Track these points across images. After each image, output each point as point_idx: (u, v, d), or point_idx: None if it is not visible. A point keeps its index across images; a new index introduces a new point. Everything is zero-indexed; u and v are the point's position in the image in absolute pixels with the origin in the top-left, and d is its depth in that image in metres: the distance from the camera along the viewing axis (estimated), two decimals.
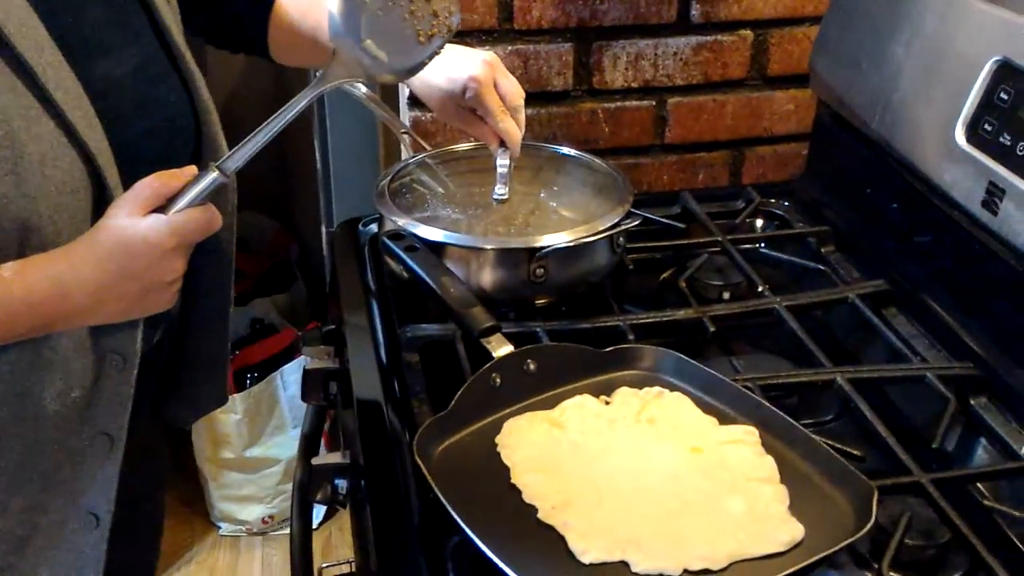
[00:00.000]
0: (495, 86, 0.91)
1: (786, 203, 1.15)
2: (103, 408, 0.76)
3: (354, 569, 0.85)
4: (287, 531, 2.01)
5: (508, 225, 0.94)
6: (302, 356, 1.95)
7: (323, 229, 1.71)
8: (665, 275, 1.04)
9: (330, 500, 0.87)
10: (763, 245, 1.07)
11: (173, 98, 0.80)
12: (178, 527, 2.04)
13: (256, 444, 1.94)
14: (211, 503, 2.02)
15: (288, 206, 2.42)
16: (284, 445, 1.96)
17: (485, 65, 0.90)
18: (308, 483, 0.88)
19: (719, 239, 1.04)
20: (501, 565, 0.61)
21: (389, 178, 0.99)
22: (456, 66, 0.90)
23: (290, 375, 1.93)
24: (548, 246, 0.88)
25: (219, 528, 2.03)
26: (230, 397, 1.89)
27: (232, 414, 1.90)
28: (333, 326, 1.03)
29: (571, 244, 0.88)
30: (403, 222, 0.91)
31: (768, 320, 0.94)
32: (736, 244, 1.04)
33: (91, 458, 0.77)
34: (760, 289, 0.96)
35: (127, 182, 0.71)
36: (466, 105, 0.92)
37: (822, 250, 1.05)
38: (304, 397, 0.99)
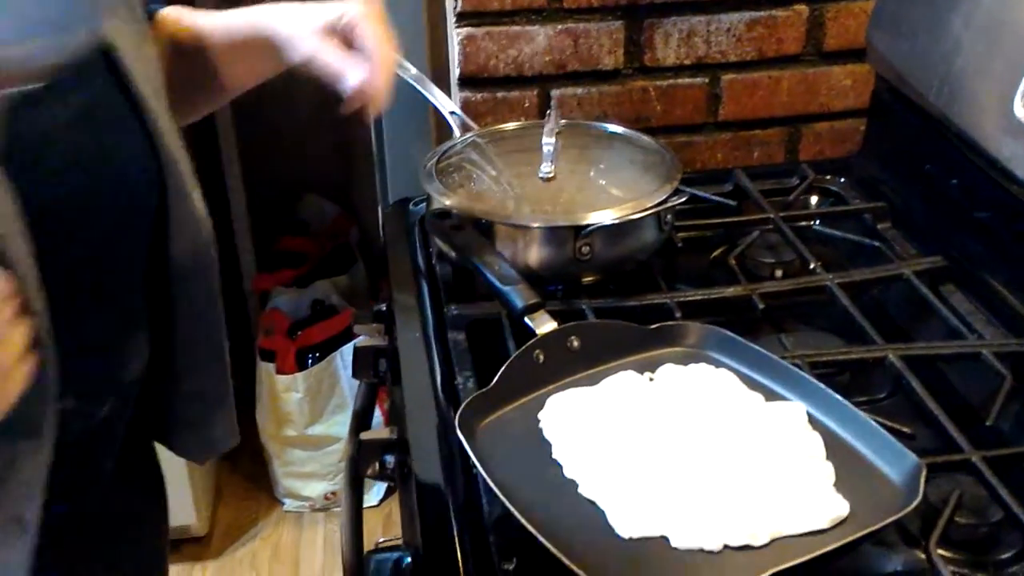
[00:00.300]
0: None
1: (842, 180, 1.12)
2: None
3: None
4: None
5: (555, 203, 0.94)
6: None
7: (379, 210, 1.73)
8: (715, 254, 1.02)
9: (379, 475, 0.88)
10: (817, 222, 1.05)
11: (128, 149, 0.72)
12: (243, 503, 2.09)
13: (318, 422, 1.98)
14: (275, 480, 2.06)
15: (348, 190, 2.45)
16: (345, 423, 1.98)
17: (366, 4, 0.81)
18: (358, 458, 0.89)
19: (771, 216, 1.02)
20: (542, 539, 0.62)
21: (436, 158, 0.99)
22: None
23: (350, 355, 1.95)
24: (594, 224, 0.87)
25: (283, 504, 2.08)
26: (292, 376, 1.93)
27: (294, 392, 1.93)
28: (384, 305, 1.05)
29: (617, 222, 0.88)
30: (449, 202, 0.92)
31: (820, 298, 0.93)
32: (789, 221, 1.02)
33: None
34: (812, 266, 0.95)
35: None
36: (338, 34, 0.81)
37: (878, 227, 1.02)
38: (355, 374, 1.01)
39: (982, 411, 0.78)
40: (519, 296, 0.81)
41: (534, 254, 0.90)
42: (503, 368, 0.77)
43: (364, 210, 2.42)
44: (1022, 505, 0.68)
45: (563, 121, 1.02)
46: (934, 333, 0.89)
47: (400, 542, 0.90)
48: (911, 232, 1.01)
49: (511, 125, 1.06)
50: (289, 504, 2.07)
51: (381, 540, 1.07)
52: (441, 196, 0.93)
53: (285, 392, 1.94)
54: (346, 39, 0.81)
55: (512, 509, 0.64)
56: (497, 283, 0.82)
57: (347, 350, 1.96)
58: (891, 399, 0.84)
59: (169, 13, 0.86)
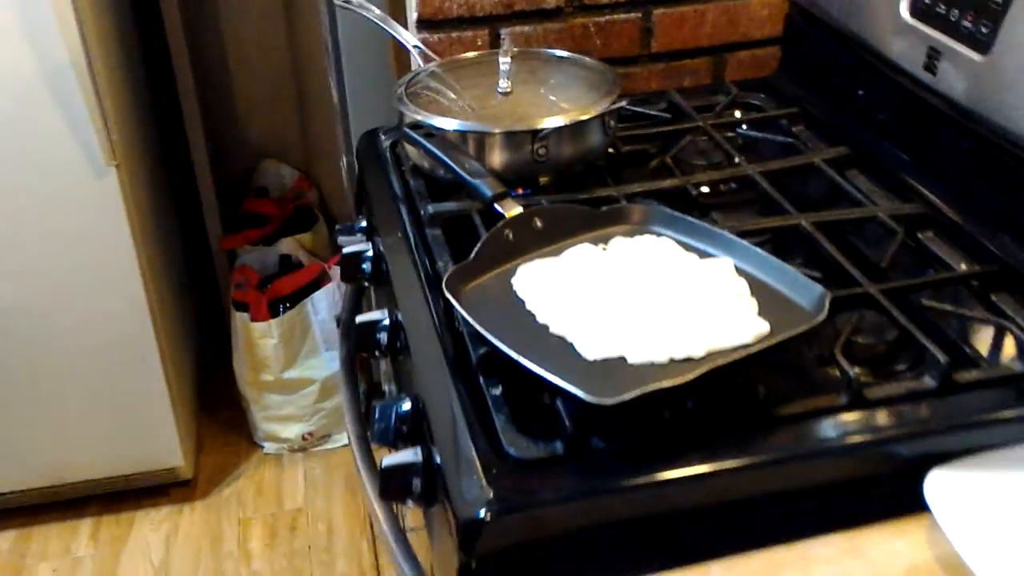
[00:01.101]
0: None
1: (762, 95, 1.28)
2: None
3: None
4: (327, 447, 2.19)
5: (512, 114, 1.08)
6: (330, 285, 2.10)
7: (343, 161, 1.85)
8: (654, 162, 1.17)
9: (372, 350, 1.02)
10: (744, 127, 1.20)
11: None
12: (225, 451, 2.21)
13: (292, 367, 2.10)
14: (254, 425, 2.18)
15: (308, 156, 2.56)
16: (318, 367, 2.11)
17: None
18: (354, 338, 1.02)
19: (700, 124, 1.17)
20: (522, 361, 0.75)
21: (404, 85, 1.13)
22: None
23: (319, 302, 2.08)
24: (548, 127, 1.02)
25: (263, 448, 2.19)
26: (266, 323, 2.05)
27: (269, 339, 2.05)
28: (364, 221, 1.18)
29: (567, 123, 1.02)
30: (421, 117, 1.05)
31: (745, 187, 1.08)
32: (717, 128, 1.17)
33: None
34: (737, 160, 1.10)
35: None
36: None
37: (793, 129, 1.18)
38: (343, 278, 1.14)
39: (879, 263, 0.94)
40: (488, 186, 0.95)
41: (497, 158, 1.04)
42: (478, 244, 0.90)
43: (322, 175, 2.54)
44: (914, 323, 0.83)
45: (515, 49, 1.15)
46: (841, 208, 1.04)
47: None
48: (821, 133, 1.17)
49: (468, 55, 1.20)
50: (269, 447, 2.19)
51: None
52: (414, 113, 1.06)
53: (261, 339, 2.06)
54: None
55: (495, 340, 0.78)
56: (468, 177, 0.96)
57: (318, 297, 2.08)
58: (806, 264, 0.99)
59: None
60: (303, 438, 2.17)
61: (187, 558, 1.93)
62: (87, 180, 1.68)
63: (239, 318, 2.08)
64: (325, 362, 2.10)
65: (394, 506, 0.88)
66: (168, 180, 2.23)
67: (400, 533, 0.88)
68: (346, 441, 2.15)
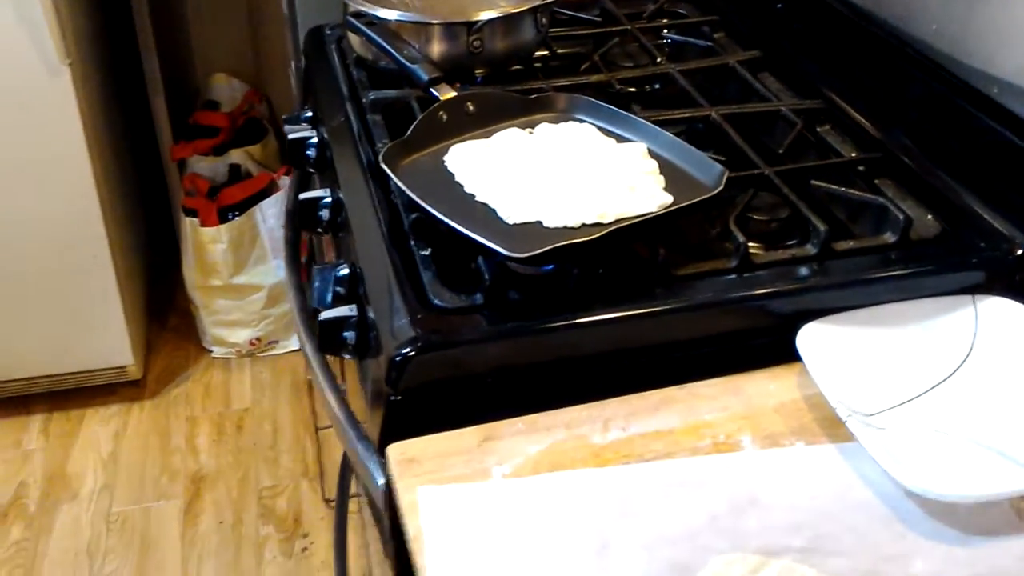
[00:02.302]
0: None
1: (688, 4, 1.36)
2: None
3: None
4: (274, 352, 2.26)
5: (451, 8, 1.14)
6: (279, 193, 2.16)
7: (292, 67, 1.90)
8: (585, 65, 1.25)
9: (314, 227, 1.09)
10: (667, 33, 1.28)
11: None
12: (173, 354, 2.27)
13: (241, 273, 2.16)
14: (203, 330, 2.24)
15: (259, 71, 2.59)
16: (266, 273, 2.17)
17: None
18: (299, 216, 1.10)
19: (629, 28, 1.25)
20: (448, 221, 0.83)
21: None
22: None
23: (268, 209, 2.14)
24: (482, 19, 1.09)
25: (212, 352, 2.26)
26: (216, 228, 2.11)
27: (218, 244, 2.11)
28: (309, 111, 1.24)
29: (500, 17, 1.09)
30: (364, 8, 1.11)
31: (666, 84, 1.16)
32: (643, 33, 1.25)
33: None
34: (659, 60, 1.18)
35: None
36: None
37: (714, 35, 1.26)
38: (289, 162, 1.20)
39: (778, 150, 1.03)
40: (424, 71, 1.02)
41: (435, 48, 1.10)
42: (414, 124, 0.98)
43: (273, 89, 2.58)
44: (803, 200, 0.92)
45: None
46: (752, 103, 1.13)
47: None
48: (740, 39, 1.25)
49: None
50: (217, 351, 2.26)
51: None
52: (356, 4, 1.12)
53: (210, 243, 2.12)
54: None
55: (426, 206, 0.86)
56: (406, 62, 1.03)
57: (266, 204, 2.14)
58: (717, 153, 1.07)
59: None
60: (251, 343, 2.24)
61: (135, 452, 2.01)
62: (40, 77, 1.71)
63: (189, 223, 2.13)
64: (273, 269, 2.16)
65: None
66: (120, 88, 2.25)
67: (336, 388, 0.97)
68: (294, 347, 2.23)
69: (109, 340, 2.03)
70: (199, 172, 2.26)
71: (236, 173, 2.29)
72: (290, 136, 1.19)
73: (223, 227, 2.10)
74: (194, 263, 2.15)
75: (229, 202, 2.18)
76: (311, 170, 1.20)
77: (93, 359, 2.06)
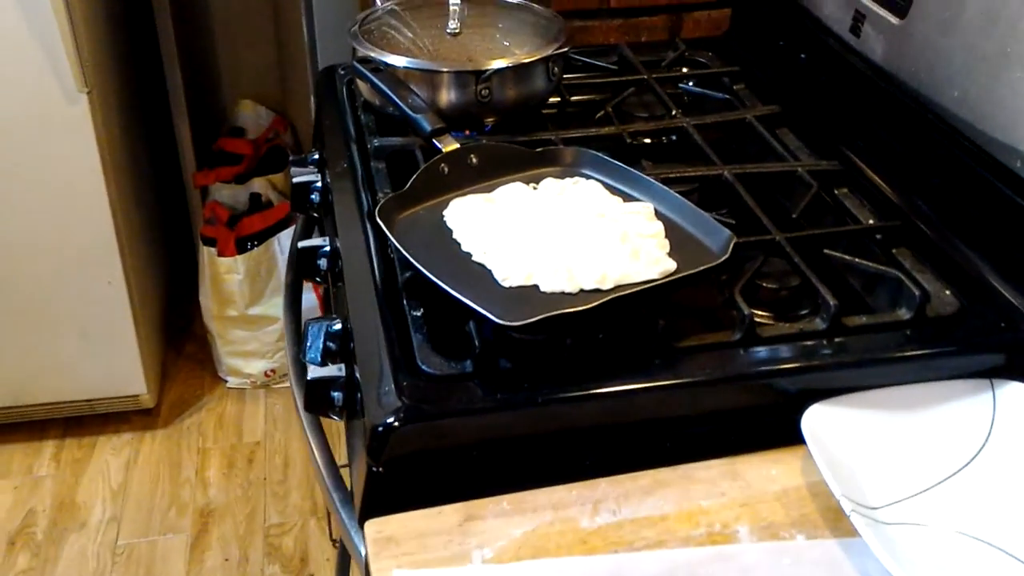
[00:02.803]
0: None
1: (710, 53, 1.32)
2: None
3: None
4: (287, 384, 2.23)
5: (460, 54, 1.12)
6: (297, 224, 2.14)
7: (312, 100, 1.88)
8: (600, 113, 1.21)
9: (313, 276, 1.06)
10: (691, 83, 1.24)
11: None
12: (189, 383, 2.25)
13: (257, 303, 2.14)
14: (219, 359, 2.23)
15: (284, 99, 2.59)
16: (282, 305, 2.15)
17: None
18: (298, 264, 1.07)
19: (644, 77, 1.21)
20: (438, 282, 0.80)
21: (359, 22, 1.16)
22: None
23: (286, 240, 2.12)
24: (491, 69, 1.06)
25: (227, 382, 2.24)
26: (233, 258, 2.09)
27: (235, 274, 2.10)
28: (317, 153, 1.22)
29: (510, 66, 1.06)
30: (371, 52, 1.09)
31: (681, 138, 1.12)
32: (660, 82, 1.21)
33: None
34: (674, 113, 1.14)
35: None
36: None
37: (734, 87, 1.22)
38: (293, 207, 1.18)
39: (794, 213, 0.98)
40: (427, 121, 0.99)
41: (443, 96, 1.08)
42: (414, 176, 0.95)
43: (298, 117, 2.57)
44: (814, 272, 0.88)
45: None
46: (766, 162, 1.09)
47: None
48: (760, 91, 1.21)
49: None
50: (232, 381, 2.24)
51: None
52: (364, 49, 1.10)
53: (227, 274, 2.10)
54: None
55: (418, 266, 0.83)
56: (409, 111, 1.00)
57: (284, 236, 2.12)
58: (730, 215, 1.04)
59: None
60: (266, 374, 2.22)
61: (145, 482, 1.99)
62: (58, 105, 1.70)
63: (207, 252, 2.12)
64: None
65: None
66: (144, 115, 2.25)
67: (325, 446, 0.94)
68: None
69: (123, 368, 2.02)
70: (220, 200, 2.26)
71: (257, 202, 2.27)
72: (294, 180, 1.16)
73: (240, 257, 2.09)
74: (211, 292, 2.13)
75: (249, 231, 2.17)
76: (315, 215, 1.18)
77: (107, 386, 2.05)
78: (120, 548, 1.84)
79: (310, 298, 1.94)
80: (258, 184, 2.30)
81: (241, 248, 2.12)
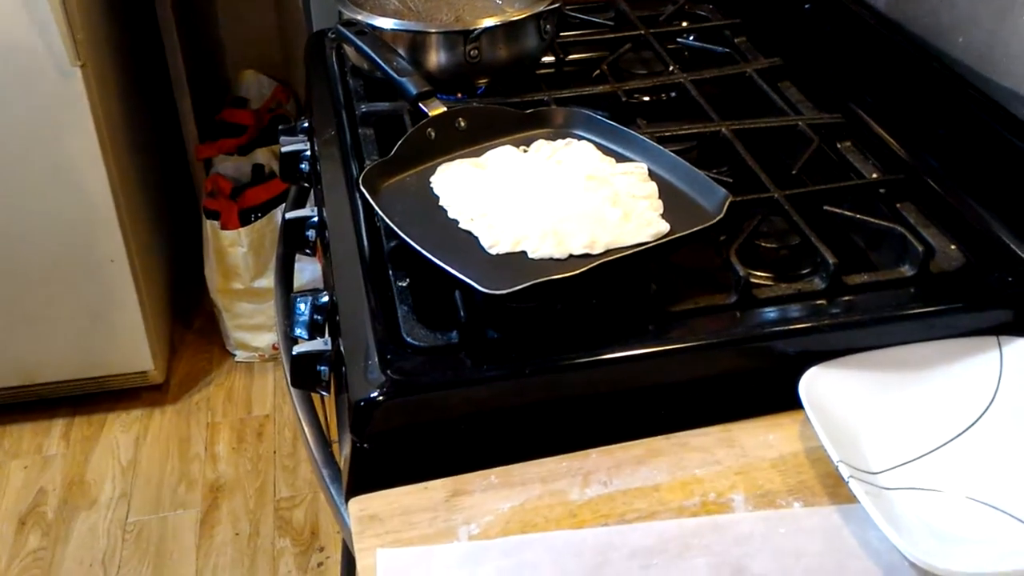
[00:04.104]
0: None
1: (710, 6, 1.28)
2: None
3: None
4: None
5: (450, 15, 1.08)
6: None
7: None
8: (596, 72, 1.18)
9: (302, 247, 1.04)
10: (691, 37, 1.20)
11: None
12: (197, 357, 2.24)
13: (262, 276, 2.12)
14: (226, 333, 2.21)
15: (287, 67, 2.55)
16: (273, 278, 2.13)
17: None
18: (286, 236, 1.05)
19: (642, 32, 1.17)
20: (422, 251, 0.77)
21: None
22: None
23: None
24: (478, 28, 1.02)
25: (234, 356, 2.23)
26: (236, 231, 2.07)
27: (239, 247, 2.07)
28: (307, 122, 1.19)
29: (499, 25, 1.03)
30: (358, 16, 1.06)
31: (678, 95, 1.09)
32: (658, 38, 1.17)
33: None
34: (671, 68, 1.10)
35: None
36: None
37: (735, 40, 1.18)
38: (283, 177, 1.15)
39: (794, 169, 0.95)
40: (413, 84, 0.96)
41: (431, 58, 1.04)
42: (400, 142, 0.92)
43: (300, 84, 2.54)
44: (813, 231, 0.85)
45: None
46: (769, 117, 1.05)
47: None
48: (762, 44, 1.17)
49: None
50: (240, 355, 2.23)
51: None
52: (350, 11, 1.06)
53: (231, 247, 2.08)
54: None
55: (402, 234, 0.80)
56: (394, 75, 0.97)
57: None
58: (729, 171, 1.00)
59: None
60: (273, 347, 2.20)
61: (155, 459, 1.98)
62: (51, 80, 1.68)
63: (210, 226, 2.10)
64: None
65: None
66: (144, 88, 2.22)
67: (315, 421, 0.92)
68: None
69: (130, 345, 2.01)
70: (223, 172, 2.23)
71: (260, 173, 2.25)
72: (283, 149, 1.13)
73: (243, 230, 2.07)
74: (215, 266, 2.11)
75: (252, 203, 2.14)
76: (306, 184, 1.15)
77: (115, 363, 2.04)
78: (130, 525, 1.84)
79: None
80: (261, 155, 2.27)
81: (244, 220, 2.10)
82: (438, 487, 0.71)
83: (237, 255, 2.09)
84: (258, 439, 2.04)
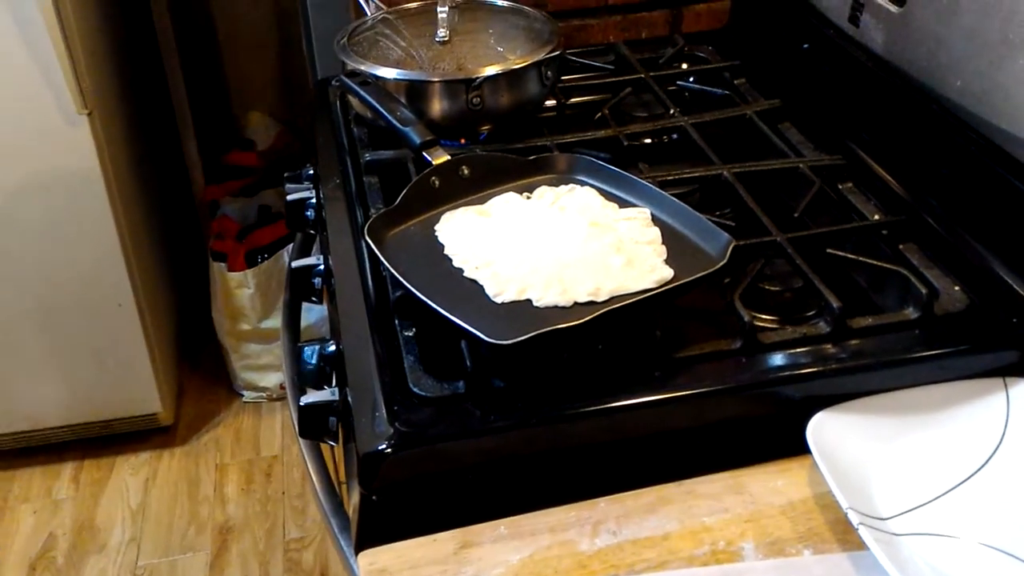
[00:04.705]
0: None
1: (709, 47, 1.29)
2: None
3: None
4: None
5: (451, 62, 1.09)
6: None
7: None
8: (597, 115, 1.19)
9: (309, 296, 1.05)
10: (692, 80, 1.21)
11: None
12: (205, 398, 2.25)
13: (269, 316, 2.13)
14: (234, 374, 2.22)
15: (293, 110, 2.58)
16: (280, 325, 2.13)
17: None
18: (292, 284, 1.05)
19: (642, 76, 1.18)
20: (427, 301, 0.78)
21: (348, 34, 1.14)
22: None
23: None
24: (480, 76, 1.03)
25: (242, 396, 2.23)
26: (243, 273, 2.08)
27: (246, 288, 2.09)
28: (312, 168, 1.20)
29: (501, 73, 1.04)
30: (360, 66, 1.07)
31: (679, 138, 1.09)
32: (658, 81, 1.18)
33: None
34: (672, 112, 1.11)
35: None
36: None
37: (735, 82, 1.19)
38: (288, 225, 1.16)
39: (796, 211, 0.95)
40: (417, 133, 0.97)
41: (434, 107, 1.05)
42: (404, 191, 0.93)
43: (306, 126, 2.56)
44: (816, 274, 0.85)
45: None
46: (770, 159, 1.06)
47: None
48: (761, 85, 1.18)
49: (413, 4, 1.21)
50: (248, 395, 2.23)
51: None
52: (351, 61, 1.08)
53: (237, 288, 2.09)
54: None
55: (407, 284, 0.80)
56: (397, 124, 0.98)
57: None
58: (733, 215, 1.01)
59: None
60: (281, 387, 2.20)
61: (164, 501, 1.98)
62: (59, 128, 1.70)
63: (216, 268, 2.11)
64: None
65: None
66: (151, 133, 2.24)
67: (324, 471, 0.92)
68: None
69: (138, 387, 2.02)
70: (229, 214, 2.24)
71: (267, 214, 2.26)
72: (288, 197, 1.14)
73: (249, 272, 2.08)
74: (223, 308, 2.12)
75: (258, 244, 2.15)
76: (312, 232, 1.16)
77: (123, 406, 2.05)
78: (140, 569, 1.84)
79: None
80: (267, 196, 2.29)
81: (251, 262, 2.11)
82: (447, 539, 0.72)
83: (244, 296, 2.10)
84: (267, 480, 2.04)
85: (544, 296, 0.81)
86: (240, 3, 2.40)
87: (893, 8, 0.92)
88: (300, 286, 1.06)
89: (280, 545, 1.88)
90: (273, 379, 2.20)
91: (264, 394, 2.23)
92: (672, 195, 0.91)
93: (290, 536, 1.90)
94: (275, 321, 2.14)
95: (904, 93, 0.94)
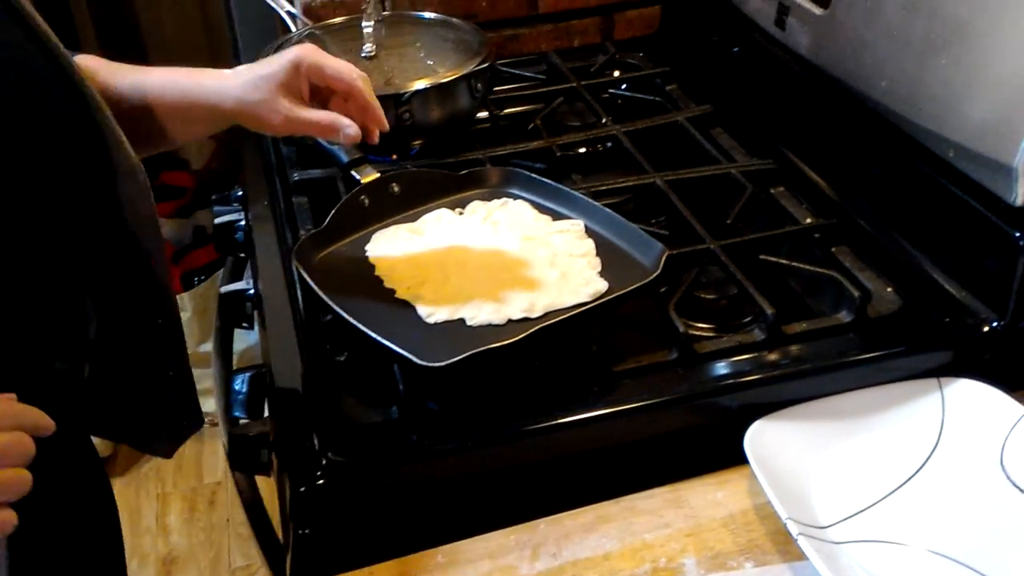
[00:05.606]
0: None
1: (641, 54, 1.28)
2: None
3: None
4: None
5: (378, 78, 1.07)
6: None
7: None
8: (530, 126, 1.17)
9: (240, 322, 1.02)
10: (619, 87, 1.20)
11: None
12: None
13: (207, 340, 2.09)
14: None
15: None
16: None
17: (303, 47, 0.79)
18: (222, 311, 1.03)
19: (574, 85, 1.18)
20: (358, 325, 0.76)
21: (274, 49, 1.12)
22: (271, 60, 0.79)
23: None
24: (408, 91, 1.02)
25: None
26: (179, 296, 2.04)
27: (183, 312, 2.04)
28: (241, 191, 1.17)
29: (429, 87, 1.02)
30: None
31: (611, 147, 1.09)
32: (590, 90, 1.18)
33: None
34: (604, 120, 1.11)
35: None
36: (300, 87, 0.79)
37: (666, 88, 1.19)
38: (217, 248, 1.13)
39: (729, 218, 0.95)
40: (344, 152, 0.95)
41: None
42: (333, 211, 0.90)
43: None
44: (750, 281, 0.84)
45: (385, 12, 1.15)
46: (702, 166, 1.06)
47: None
48: (693, 91, 1.18)
49: (338, 19, 1.19)
50: None
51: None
52: None
53: None
54: (301, 87, 0.78)
55: (337, 308, 0.78)
56: (324, 143, 0.96)
57: None
58: (667, 222, 1.00)
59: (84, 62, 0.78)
60: None
61: None
62: None
63: None
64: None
65: None
66: None
67: (258, 505, 0.89)
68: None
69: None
70: (164, 235, 2.20)
71: (202, 235, 2.22)
72: (216, 220, 1.12)
73: (186, 295, 2.04)
74: None
75: (194, 266, 2.11)
76: (243, 255, 1.13)
77: None
78: None
79: None
80: (202, 217, 2.24)
81: (187, 284, 2.07)
82: (383, 572, 0.70)
83: (181, 320, 2.05)
84: (210, 507, 1.99)
85: (477, 315, 0.79)
86: (167, 16, 2.36)
87: (817, 11, 0.92)
88: (232, 311, 1.03)
89: (226, 574, 1.84)
90: (213, 404, 2.15)
91: (205, 419, 2.17)
92: (606, 205, 0.91)
93: (236, 564, 1.86)
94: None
95: (831, 95, 0.94)
